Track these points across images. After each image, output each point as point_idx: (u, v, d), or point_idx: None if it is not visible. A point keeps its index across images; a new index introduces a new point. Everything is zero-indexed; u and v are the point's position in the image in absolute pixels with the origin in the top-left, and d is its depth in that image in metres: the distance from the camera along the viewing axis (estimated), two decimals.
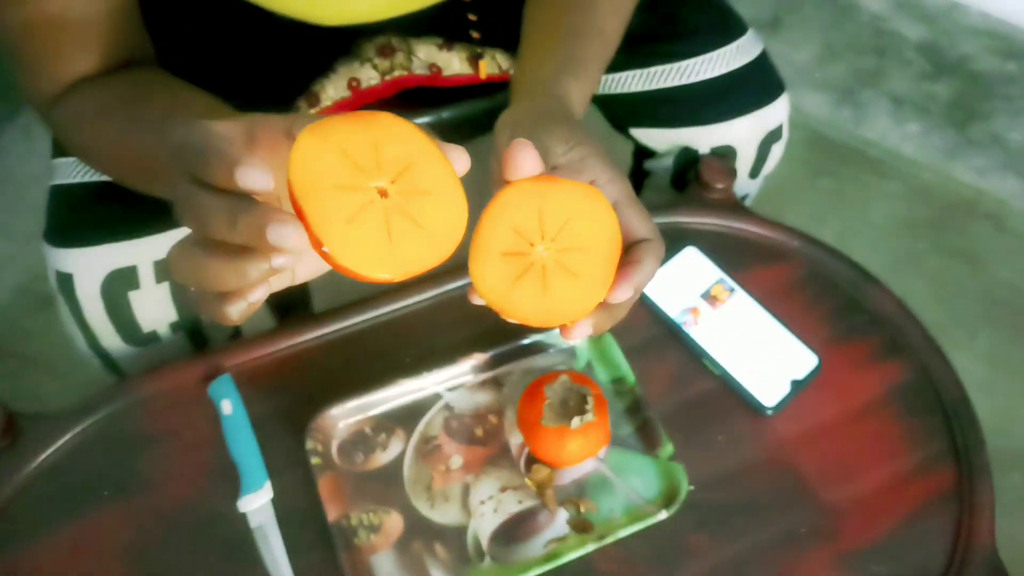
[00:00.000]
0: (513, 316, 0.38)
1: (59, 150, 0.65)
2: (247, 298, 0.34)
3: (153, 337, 0.65)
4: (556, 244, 0.38)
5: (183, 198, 0.34)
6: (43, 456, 0.57)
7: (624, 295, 0.39)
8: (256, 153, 0.35)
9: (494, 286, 0.38)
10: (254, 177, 0.31)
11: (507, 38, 0.71)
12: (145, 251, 0.62)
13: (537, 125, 0.43)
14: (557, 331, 0.61)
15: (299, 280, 0.40)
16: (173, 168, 0.36)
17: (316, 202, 0.32)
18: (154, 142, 0.42)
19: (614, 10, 0.56)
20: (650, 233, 0.42)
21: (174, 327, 0.65)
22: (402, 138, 0.35)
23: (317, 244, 0.33)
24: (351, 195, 0.33)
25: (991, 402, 0.60)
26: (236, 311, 0.34)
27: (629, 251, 0.41)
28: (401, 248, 0.34)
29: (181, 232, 0.61)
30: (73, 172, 0.64)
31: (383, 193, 0.34)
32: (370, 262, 0.33)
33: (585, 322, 0.40)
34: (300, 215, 0.33)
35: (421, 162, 0.35)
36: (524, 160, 0.38)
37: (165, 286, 0.63)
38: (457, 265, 0.52)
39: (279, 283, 0.39)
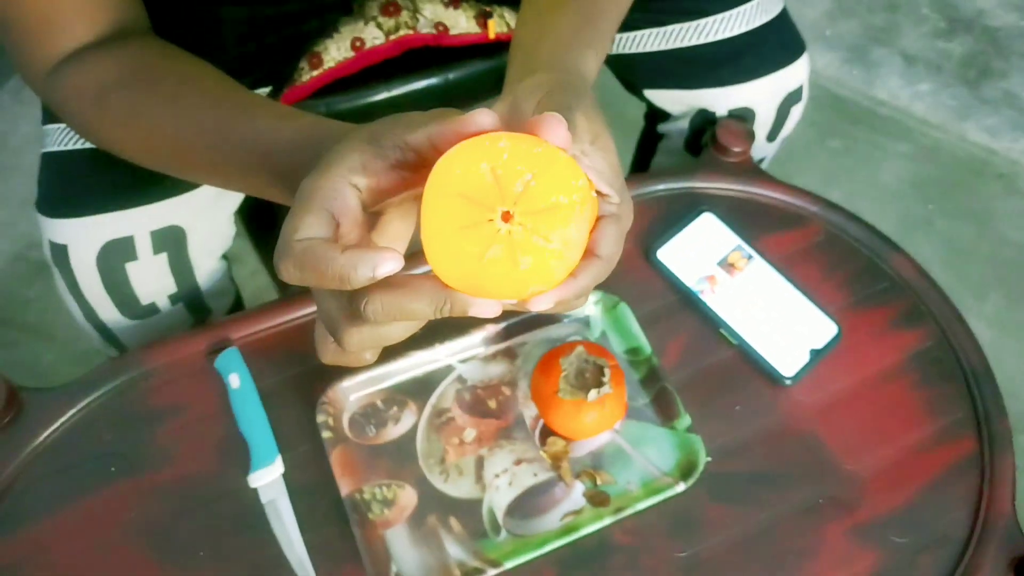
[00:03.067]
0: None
1: (50, 115, 0.63)
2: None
3: (152, 309, 0.64)
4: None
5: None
6: (47, 432, 0.55)
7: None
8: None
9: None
10: (385, 269, 0.33)
11: None
12: (142, 221, 0.60)
13: (569, 106, 0.38)
14: None
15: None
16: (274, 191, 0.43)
17: (442, 254, 0.33)
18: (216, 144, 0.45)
19: None
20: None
21: (173, 299, 0.64)
22: (518, 152, 0.33)
23: (457, 286, 0.34)
24: (472, 233, 0.33)
25: (999, 365, 0.59)
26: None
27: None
28: (530, 270, 0.33)
29: (178, 201, 0.59)
30: (65, 138, 0.61)
31: (507, 217, 0.33)
32: (505, 292, 0.33)
33: (551, 293, 0.34)
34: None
35: (541, 171, 0.33)
36: (554, 136, 0.34)
37: (163, 257, 0.61)
38: None
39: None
